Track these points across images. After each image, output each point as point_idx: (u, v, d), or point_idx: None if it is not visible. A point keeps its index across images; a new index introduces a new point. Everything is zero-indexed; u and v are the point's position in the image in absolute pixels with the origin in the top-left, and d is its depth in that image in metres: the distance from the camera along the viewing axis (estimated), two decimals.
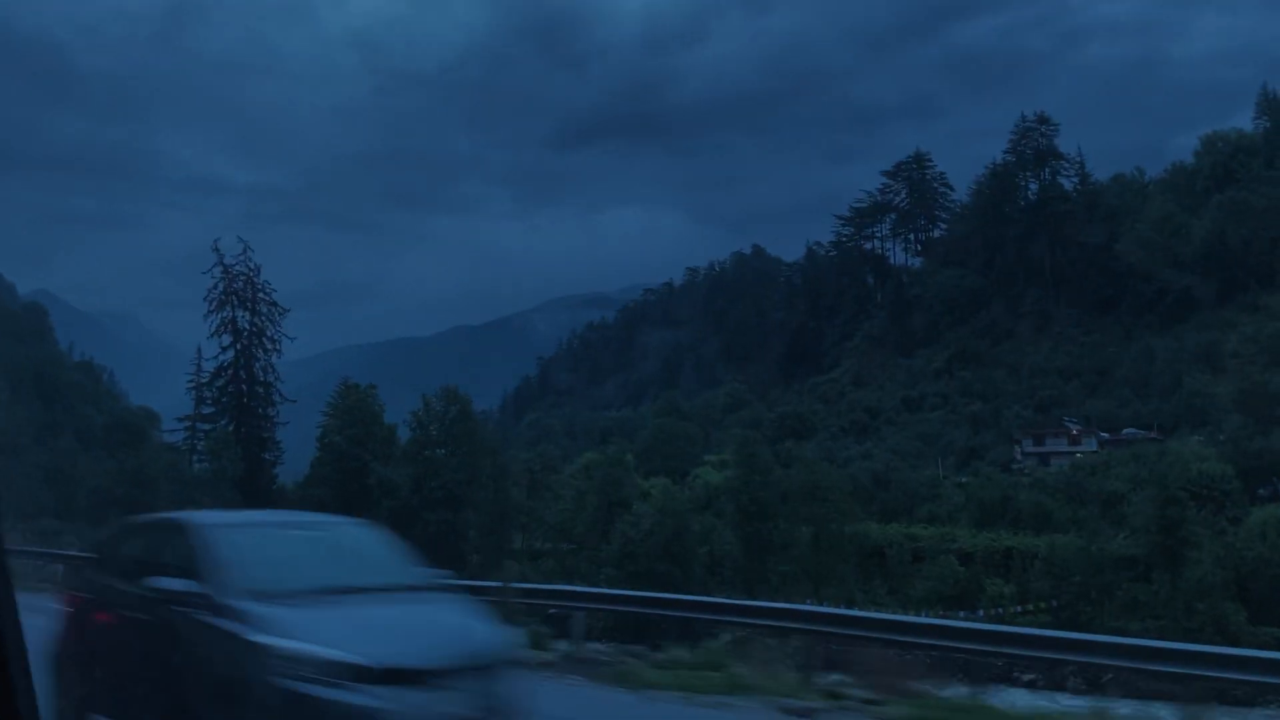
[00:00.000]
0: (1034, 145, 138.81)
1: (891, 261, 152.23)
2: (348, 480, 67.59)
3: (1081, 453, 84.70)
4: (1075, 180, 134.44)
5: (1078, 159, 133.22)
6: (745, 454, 61.87)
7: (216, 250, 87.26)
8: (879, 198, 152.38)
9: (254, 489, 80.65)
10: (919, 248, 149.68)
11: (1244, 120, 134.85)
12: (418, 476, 63.79)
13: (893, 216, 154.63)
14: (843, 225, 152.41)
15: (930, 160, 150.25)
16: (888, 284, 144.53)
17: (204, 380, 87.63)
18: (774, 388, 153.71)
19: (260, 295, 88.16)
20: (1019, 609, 51.44)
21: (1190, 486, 55.69)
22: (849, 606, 41.58)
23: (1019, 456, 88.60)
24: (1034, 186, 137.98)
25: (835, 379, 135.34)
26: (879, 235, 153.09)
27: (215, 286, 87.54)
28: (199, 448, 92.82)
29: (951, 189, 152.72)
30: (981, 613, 49.10)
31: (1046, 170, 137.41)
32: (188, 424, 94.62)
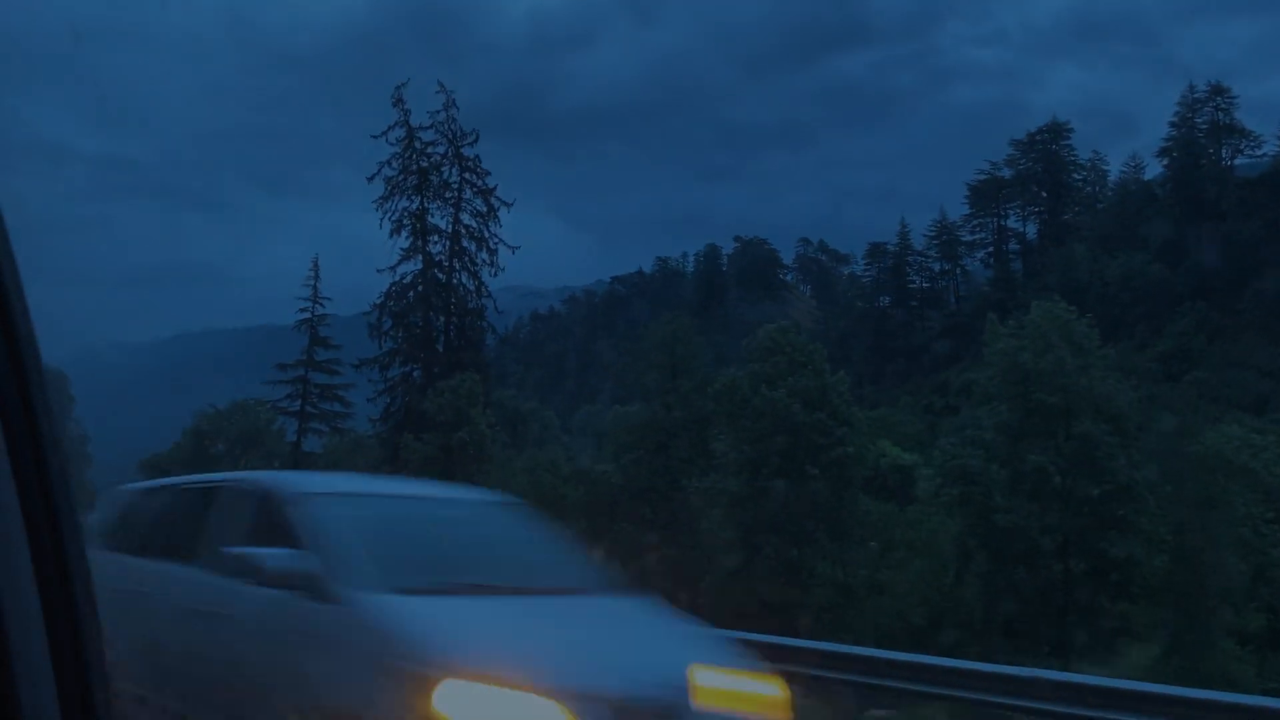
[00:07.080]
0: (1207, 120, 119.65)
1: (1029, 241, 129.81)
2: (805, 467, 38.31)
3: None
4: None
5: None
6: None
7: (399, 104, 55.02)
8: (1006, 170, 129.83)
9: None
10: (1054, 228, 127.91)
11: None
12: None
13: (1003, 193, 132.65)
14: (972, 196, 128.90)
15: (1070, 129, 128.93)
16: (1046, 269, 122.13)
17: (379, 303, 54.99)
18: (864, 384, 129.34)
19: (468, 179, 56.34)
20: None
21: None
22: None
23: None
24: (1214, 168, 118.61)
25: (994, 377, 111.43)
26: (1004, 213, 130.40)
27: (390, 161, 55.39)
28: (315, 408, 60.68)
29: (1082, 166, 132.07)
30: None
31: (1225, 149, 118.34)
32: (295, 374, 62.70)
